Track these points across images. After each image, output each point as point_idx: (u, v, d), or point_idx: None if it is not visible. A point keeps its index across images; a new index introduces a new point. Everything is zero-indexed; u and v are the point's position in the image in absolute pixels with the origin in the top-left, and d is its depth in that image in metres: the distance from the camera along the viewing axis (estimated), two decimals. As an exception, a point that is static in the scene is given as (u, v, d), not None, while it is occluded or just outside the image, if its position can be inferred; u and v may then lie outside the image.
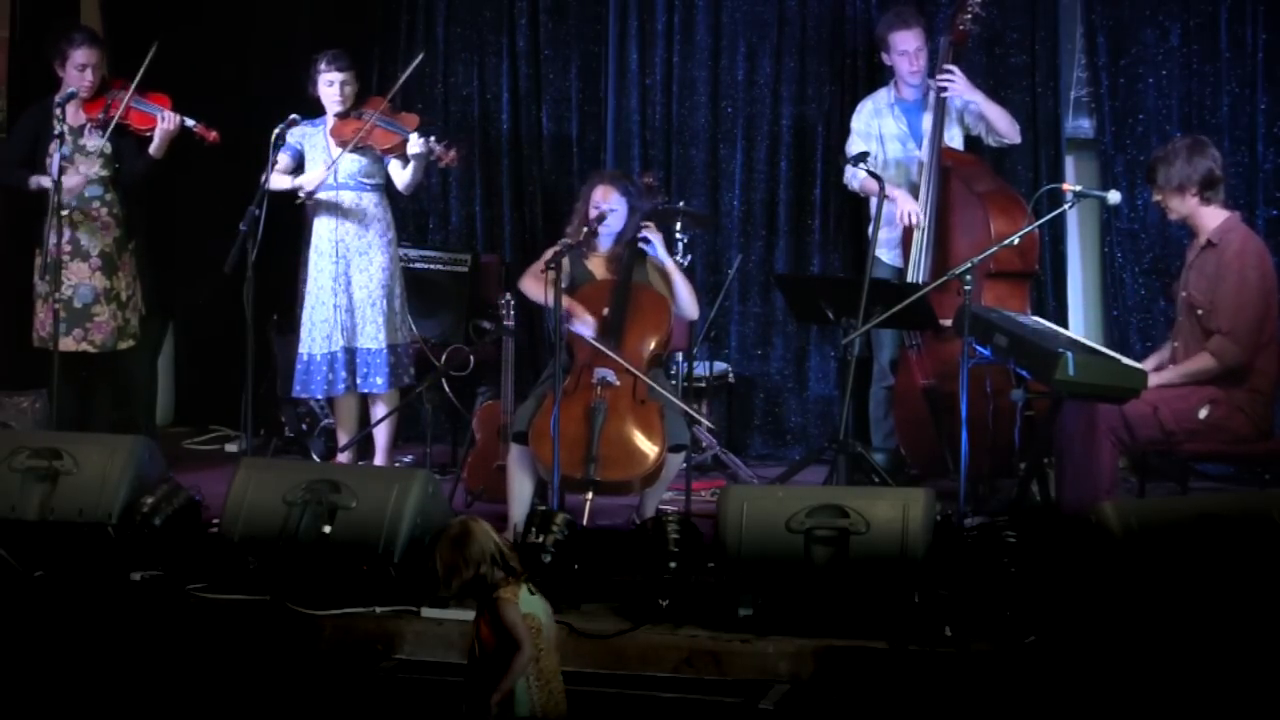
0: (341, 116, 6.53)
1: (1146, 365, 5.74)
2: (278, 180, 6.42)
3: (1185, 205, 5.62)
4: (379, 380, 6.49)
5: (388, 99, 6.55)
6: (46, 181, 6.60)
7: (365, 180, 6.54)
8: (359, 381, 6.50)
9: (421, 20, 7.94)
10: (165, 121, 6.59)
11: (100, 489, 5.39)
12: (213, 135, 6.64)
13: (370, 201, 6.55)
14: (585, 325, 5.91)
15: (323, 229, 6.55)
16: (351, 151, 6.45)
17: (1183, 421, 5.47)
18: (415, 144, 6.37)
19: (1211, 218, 5.62)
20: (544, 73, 7.80)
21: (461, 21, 7.89)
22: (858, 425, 6.81)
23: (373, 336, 6.50)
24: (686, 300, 6.09)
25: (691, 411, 6.06)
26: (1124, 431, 5.41)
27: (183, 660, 4.83)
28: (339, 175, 6.50)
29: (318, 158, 6.52)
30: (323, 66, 6.52)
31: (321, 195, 6.52)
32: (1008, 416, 6.10)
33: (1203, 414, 5.48)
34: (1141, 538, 4.63)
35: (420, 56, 6.83)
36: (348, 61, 6.56)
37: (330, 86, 6.51)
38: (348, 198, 6.52)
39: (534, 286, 6.06)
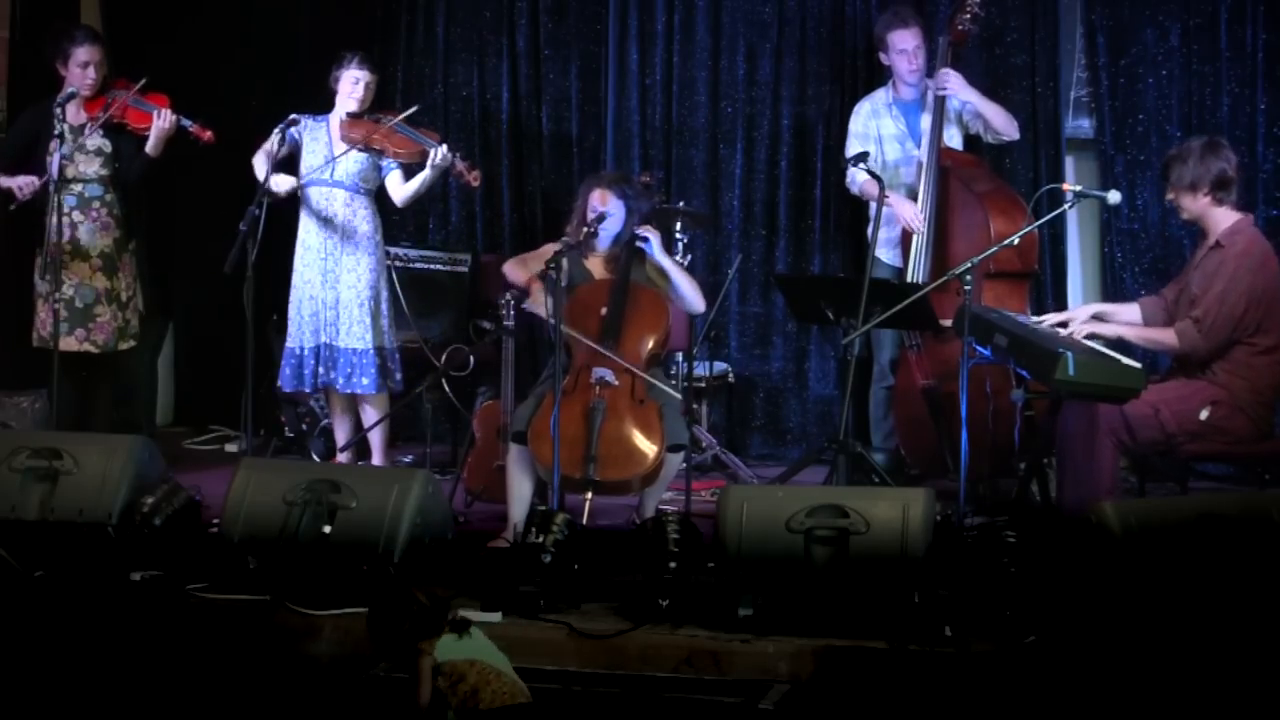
0: (354, 116, 6.54)
1: (1122, 312, 5.78)
2: (258, 162, 6.45)
3: (1197, 205, 5.61)
4: (365, 381, 6.50)
5: (405, 116, 6.53)
6: (5, 181, 6.60)
7: (361, 183, 6.55)
8: (342, 381, 6.51)
9: (421, 20, 7.94)
10: (161, 120, 6.59)
11: (100, 489, 5.39)
12: (208, 135, 6.65)
13: (361, 204, 6.57)
14: (538, 307, 5.88)
15: (311, 225, 6.57)
16: (361, 151, 6.45)
17: (1184, 423, 5.47)
18: (441, 155, 6.37)
19: (1223, 219, 5.61)
20: (544, 73, 7.80)
21: (461, 21, 7.89)
22: (858, 425, 6.82)
23: (359, 337, 6.50)
24: (690, 295, 6.07)
25: (670, 390, 6.04)
26: (1125, 433, 5.41)
27: (183, 660, 4.83)
28: (335, 173, 6.51)
29: (318, 150, 6.53)
30: (353, 64, 6.53)
31: (315, 190, 6.53)
32: (1008, 416, 6.10)
33: (1204, 415, 5.48)
34: (1141, 538, 4.63)
35: (415, 109, 6.70)
36: (374, 64, 6.60)
37: (355, 84, 6.52)
38: (341, 197, 6.53)
39: (514, 270, 6.12)
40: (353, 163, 6.51)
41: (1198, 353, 5.52)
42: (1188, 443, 5.52)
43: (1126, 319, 5.80)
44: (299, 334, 6.56)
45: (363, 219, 6.56)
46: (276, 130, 6.46)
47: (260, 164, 6.47)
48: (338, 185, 6.53)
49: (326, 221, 6.54)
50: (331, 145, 6.53)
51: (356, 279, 6.52)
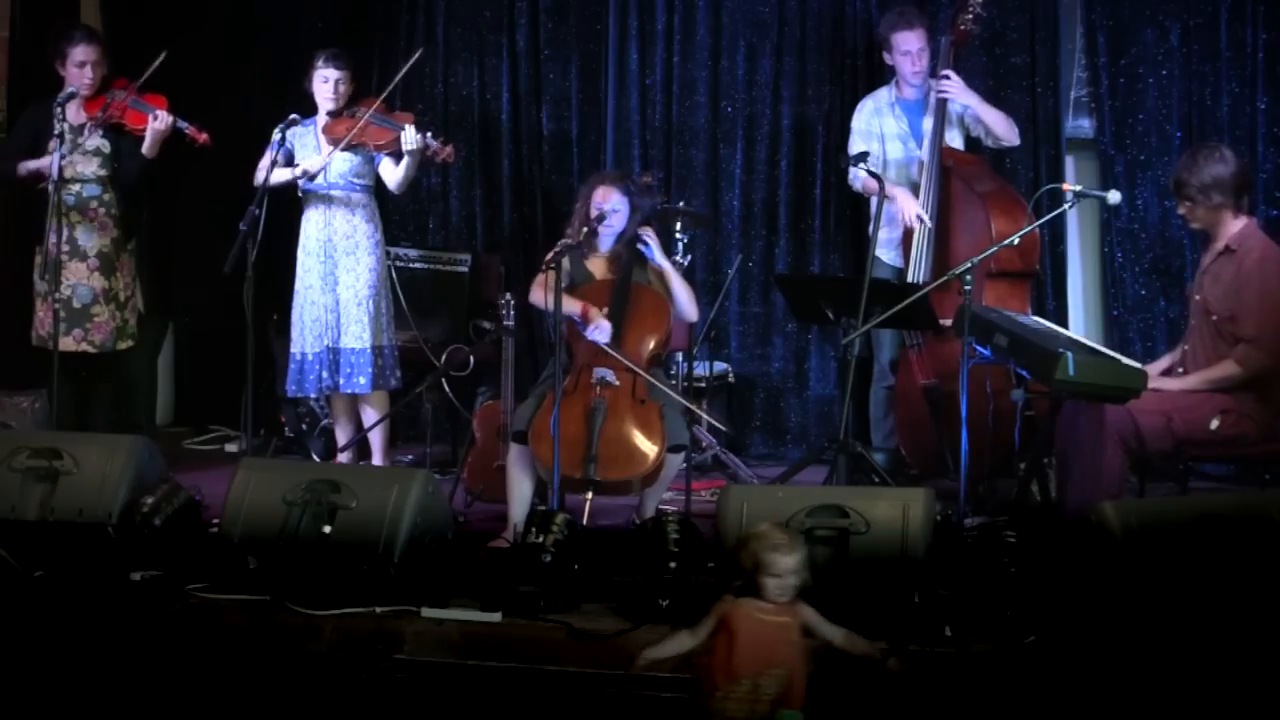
0: (334, 115, 6.54)
1: (1157, 367, 5.72)
2: (277, 175, 6.43)
3: (1218, 215, 5.58)
4: (362, 380, 6.51)
5: (382, 99, 6.55)
6: (32, 164, 6.61)
7: (355, 180, 6.55)
8: (342, 381, 6.52)
9: (421, 20, 7.94)
10: (156, 120, 6.60)
11: (100, 489, 5.39)
12: (204, 138, 6.65)
13: (359, 202, 6.57)
14: (601, 331, 5.87)
15: (310, 228, 6.57)
16: (344, 150, 6.45)
17: (1194, 432, 5.44)
18: (411, 138, 6.37)
19: (1231, 224, 5.58)
20: (544, 73, 7.80)
21: (461, 21, 7.89)
22: (858, 425, 6.81)
23: (357, 336, 6.51)
24: (685, 303, 6.08)
25: (693, 407, 6.04)
26: (1134, 440, 5.37)
27: (183, 660, 4.82)
28: (329, 175, 6.51)
29: (309, 155, 6.53)
30: (320, 63, 6.53)
31: (311, 195, 6.55)
32: (1008, 416, 6.10)
33: (1214, 425, 5.45)
34: (1141, 538, 4.63)
35: (419, 53, 6.81)
36: (345, 61, 6.56)
37: (325, 84, 6.51)
38: (337, 197, 6.53)
39: (542, 296, 6.07)
40: (342, 162, 6.50)
41: (1266, 372, 5.46)
42: (1194, 449, 5.51)
43: (1169, 363, 5.75)
44: (301, 339, 6.56)
45: (361, 219, 6.55)
46: (277, 131, 6.44)
47: (277, 173, 6.45)
48: (333, 187, 6.53)
49: (324, 225, 6.54)
50: (320, 149, 6.52)
51: (355, 279, 6.52)
